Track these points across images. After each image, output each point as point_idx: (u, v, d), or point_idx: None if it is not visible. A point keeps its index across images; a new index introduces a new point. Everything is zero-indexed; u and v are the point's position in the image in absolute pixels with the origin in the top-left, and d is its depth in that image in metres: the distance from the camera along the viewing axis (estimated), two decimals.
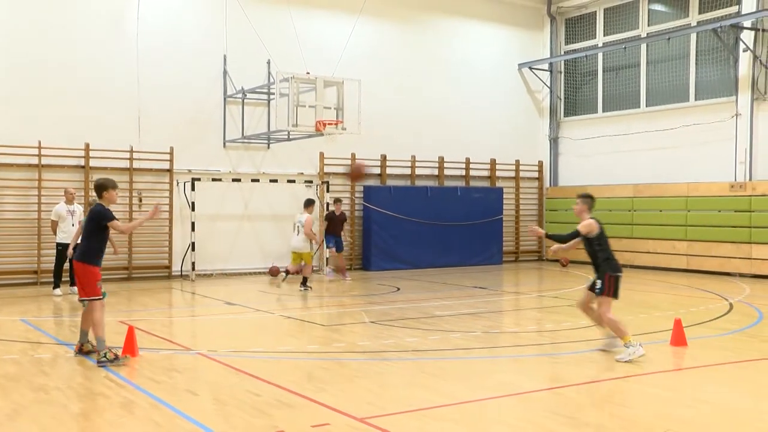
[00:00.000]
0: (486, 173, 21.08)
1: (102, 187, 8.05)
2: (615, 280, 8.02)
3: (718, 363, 7.90)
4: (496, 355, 8.48)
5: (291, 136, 16.41)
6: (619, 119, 20.26)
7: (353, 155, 18.56)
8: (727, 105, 17.76)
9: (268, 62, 17.35)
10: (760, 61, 17.15)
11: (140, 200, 16.17)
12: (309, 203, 14.26)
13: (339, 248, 16.21)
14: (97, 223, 7.95)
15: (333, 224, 16.00)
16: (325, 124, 14.22)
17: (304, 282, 14.18)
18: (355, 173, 15.46)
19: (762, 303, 12.35)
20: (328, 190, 17.66)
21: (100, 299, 7.96)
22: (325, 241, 16.29)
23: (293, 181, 17.30)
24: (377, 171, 19.12)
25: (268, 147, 17.71)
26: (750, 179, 17.27)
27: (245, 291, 14.50)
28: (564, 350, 8.62)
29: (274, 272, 16.97)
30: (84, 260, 7.91)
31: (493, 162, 21.05)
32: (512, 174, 21.56)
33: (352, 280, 16.21)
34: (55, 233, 13.62)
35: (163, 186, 16.50)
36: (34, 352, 8.42)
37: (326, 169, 18.27)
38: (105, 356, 7.70)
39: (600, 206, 20.10)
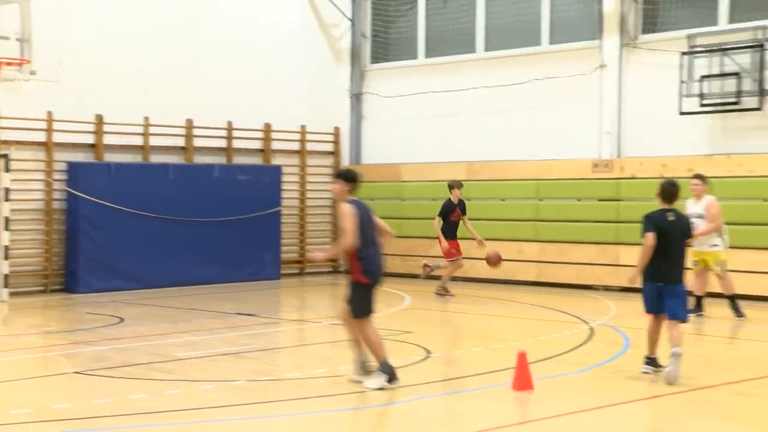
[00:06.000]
0: (258, 145, 21.21)
1: None
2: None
3: (572, 411, 8.48)
4: (269, 414, 8.53)
5: None
6: (447, 68, 21.06)
7: (50, 114, 17.88)
8: (591, 52, 19.03)
9: None
10: None
11: None
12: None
13: None
14: None
15: None
16: (0, 65, 14.05)
17: None
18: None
19: (630, 326, 13.31)
20: (7, 170, 16.89)
21: None
22: None
23: None
24: (90, 140, 18.63)
25: None
26: (618, 155, 18.65)
27: None
28: (371, 403, 8.89)
29: None
30: None
31: (267, 128, 21.20)
32: (296, 147, 21.82)
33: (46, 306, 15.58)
34: None
35: None
36: None
37: (3, 136, 17.51)
38: None
39: (418, 194, 21.11)
